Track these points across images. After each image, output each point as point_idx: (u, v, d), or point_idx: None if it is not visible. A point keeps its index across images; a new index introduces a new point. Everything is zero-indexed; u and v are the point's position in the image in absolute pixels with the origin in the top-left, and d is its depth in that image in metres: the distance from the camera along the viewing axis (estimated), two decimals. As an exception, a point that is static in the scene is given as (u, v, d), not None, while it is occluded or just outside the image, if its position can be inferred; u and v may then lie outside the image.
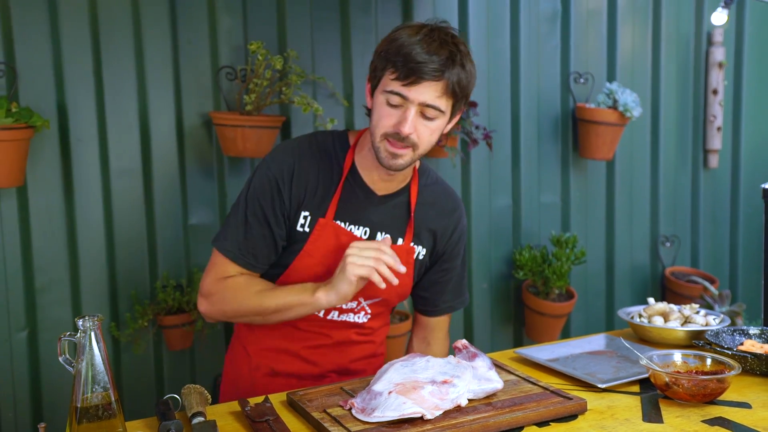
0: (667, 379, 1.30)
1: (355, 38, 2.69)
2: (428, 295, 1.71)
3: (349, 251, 1.43)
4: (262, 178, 1.53)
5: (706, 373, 1.34)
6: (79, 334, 1.17)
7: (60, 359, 1.19)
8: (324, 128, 2.52)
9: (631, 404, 1.31)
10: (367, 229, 1.56)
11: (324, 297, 1.47)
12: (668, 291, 3.33)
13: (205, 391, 1.35)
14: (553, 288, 2.94)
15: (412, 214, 1.59)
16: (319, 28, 2.62)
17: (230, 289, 1.54)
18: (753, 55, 3.51)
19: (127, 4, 2.38)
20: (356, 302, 1.60)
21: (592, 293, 3.27)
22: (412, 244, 1.60)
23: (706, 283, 3.21)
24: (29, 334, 2.36)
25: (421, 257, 1.63)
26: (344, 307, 1.59)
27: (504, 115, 3.01)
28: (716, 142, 3.43)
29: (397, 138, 1.42)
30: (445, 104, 1.42)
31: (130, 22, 2.39)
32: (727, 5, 2.99)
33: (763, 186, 2.14)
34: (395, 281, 1.43)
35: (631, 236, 3.34)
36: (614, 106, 2.97)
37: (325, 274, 1.55)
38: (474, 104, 2.72)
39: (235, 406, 1.35)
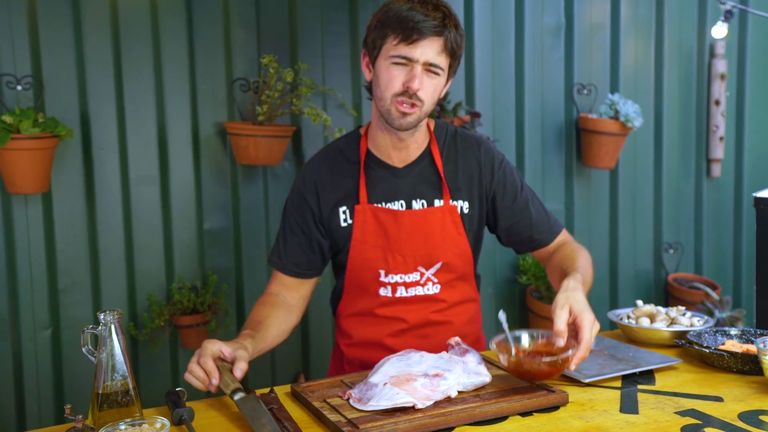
0: (497, 351, 1.42)
1: (363, 51, 2.80)
2: (523, 236, 1.74)
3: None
4: (292, 195, 1.72)
5: (545, 354, 1.41)
6: (100, 327, 1.29)
7: (83, 350, 1.31)
8: (333, 138, 2.64)
9: (611, 397, 1.40)
10: (402, 202, 1.65)
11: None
12: (671, 297, 3.40)
13: (232, 366, 1.42)
14: (556, 293, 3.02)
15: (442, 174, 1.66)
16: (330, 43, 2.74)
17: (257, 302, 1.71)
18: (755, 67, 3.58)
19: (146, 20, 2.51)
20: (419, 273, 1.67)
21: (595, 298, 3.34)
22: (451, 202, 1.67)
23: (708, 289, 3.27)
24: (53, 332, 2.48)
25: (466, 210, 1.68)
26: (408, 280, 1.66)
27: (508, 124, 3.11)
28: (719, 151, 3.50)
29: (407, 96, 1.52)
30: (444, 62, 1.54)
31: (150, 37, 2.52)
32: (727, 19, 3.07)
33: (754, 195, 2.22)
34: (209, 387, 1.38)
35: (635, 243, 3.41)
36: (616, 117, 3.06)
37: (380, 257, 1.64)
38: (478, 114, 2.82)
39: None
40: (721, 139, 3.49)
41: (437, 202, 1.66)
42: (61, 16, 2.41)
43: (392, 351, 1.70)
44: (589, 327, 1.40)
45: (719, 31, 3.09)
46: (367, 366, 1.72)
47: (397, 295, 1.68)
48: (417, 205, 1.66)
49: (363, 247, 1.65)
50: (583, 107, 3.20)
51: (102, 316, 1.28)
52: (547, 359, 1.37)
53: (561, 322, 1.40)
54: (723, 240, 3.64)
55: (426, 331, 1.71)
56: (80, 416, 1.24)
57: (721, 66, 3.44)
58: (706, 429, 1.23)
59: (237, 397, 1.33)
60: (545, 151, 3.18)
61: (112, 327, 1.28)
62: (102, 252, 2.52)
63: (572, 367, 1.38)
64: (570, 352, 1.38)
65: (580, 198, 3.27)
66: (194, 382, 1.39)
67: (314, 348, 2.81)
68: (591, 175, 3.28)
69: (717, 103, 3.46)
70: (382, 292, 1.68)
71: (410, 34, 1.48)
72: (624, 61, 3.29)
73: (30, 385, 2.46)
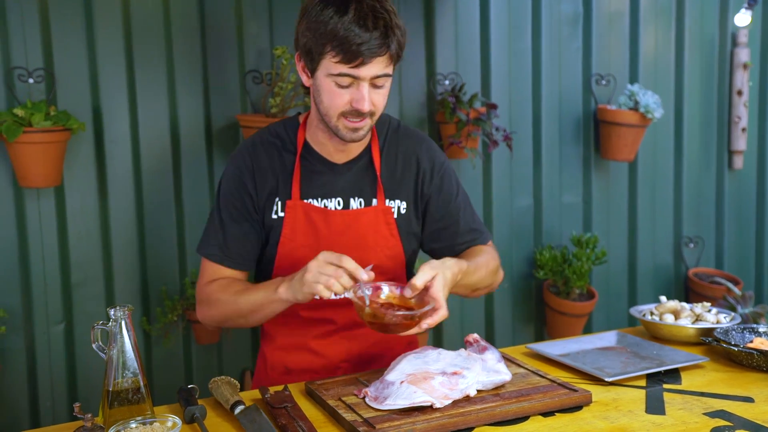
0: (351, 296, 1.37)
1: (378, 42, 2.75)
2: (444, 243, 1.67)
3: (310, 264, 1.38)
4: (228, 180, 1.61)
5: (400, 308, 1.40)
6: (110, 323, 1.26)
7: (93, 346, 1.28)
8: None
9: (636, 397, 1.35)
10: (340, 200, 1.59)
11: (284, 293, 1.44)
12: (691, 292, 3.33)
13: (233, 380, 1.41)
14: (573, 288, 2.97)
15: (379, 174, 1.60)
16: (343, 33, 2.69)
17: (214, 293, 1.59)
18: (779, 56, 3.50)
19: (158, 13, 2.48)
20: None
21: (614, 293, 3.28)
22: (387, 202, 1.60)
23: (730, 284, 3.20)
24: (66, 327, 2.47)
25: (403, 211, 1.62)
26: None
27: (525, 116, 3.05)
28: (741, 143, 3.43)
29: (355, 114, 1.45)
30: (391, 68, 1.46)
31: (162, 29, 2.49)
32: (750, 6, 3.00)
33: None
34: (344, 294, 1.38)
35: (654, 237, 3.35)
36: (635, 108, 2.99)
37: (310, 256, 1.51)
38: (494, 106, 2.76)
39: (255, 393, 1.42)
40: (743, 130, 3.41)
41: (374, 201, 1.60)
42: (73, 8, 2.38)
43: (318, 354, 1.64)
44: (441, 296, 1.37)
45: (742, 19, 3.02)
46: (291, 372, 1.65)
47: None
48: (355, 203, 1.59)
49: (292, 245, 1.58)
50: (601, 98, 3.14)
51: (112, 312, 1.25)
52: (400, 312, 1.35)
53: (420, 279, 1.37)
54: (745, 234, 3.57)
55: (354, 333, 1.64)
56: (89, 415, 1.22)
57: (743, 55, 3.36)
58: (737, 431, 1.19)
59: (237, 410, 1.30)
60: (563, 143, 3.12)
61: (123, 323, 1.25)
62: (115, 246, 2.50)
63: (424, 326, 1.35)
64: (427, 307, 1.35)
65: (598, 191, 3.21)
66: (323, 291, 1.35)
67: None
68: (610, 168, 3.22)
69: (739, 93, 3.38)
70: None
71: (353, 57, 1.38)
72: (644, 51, 3.22)
73: (43, 380, 2.45)
